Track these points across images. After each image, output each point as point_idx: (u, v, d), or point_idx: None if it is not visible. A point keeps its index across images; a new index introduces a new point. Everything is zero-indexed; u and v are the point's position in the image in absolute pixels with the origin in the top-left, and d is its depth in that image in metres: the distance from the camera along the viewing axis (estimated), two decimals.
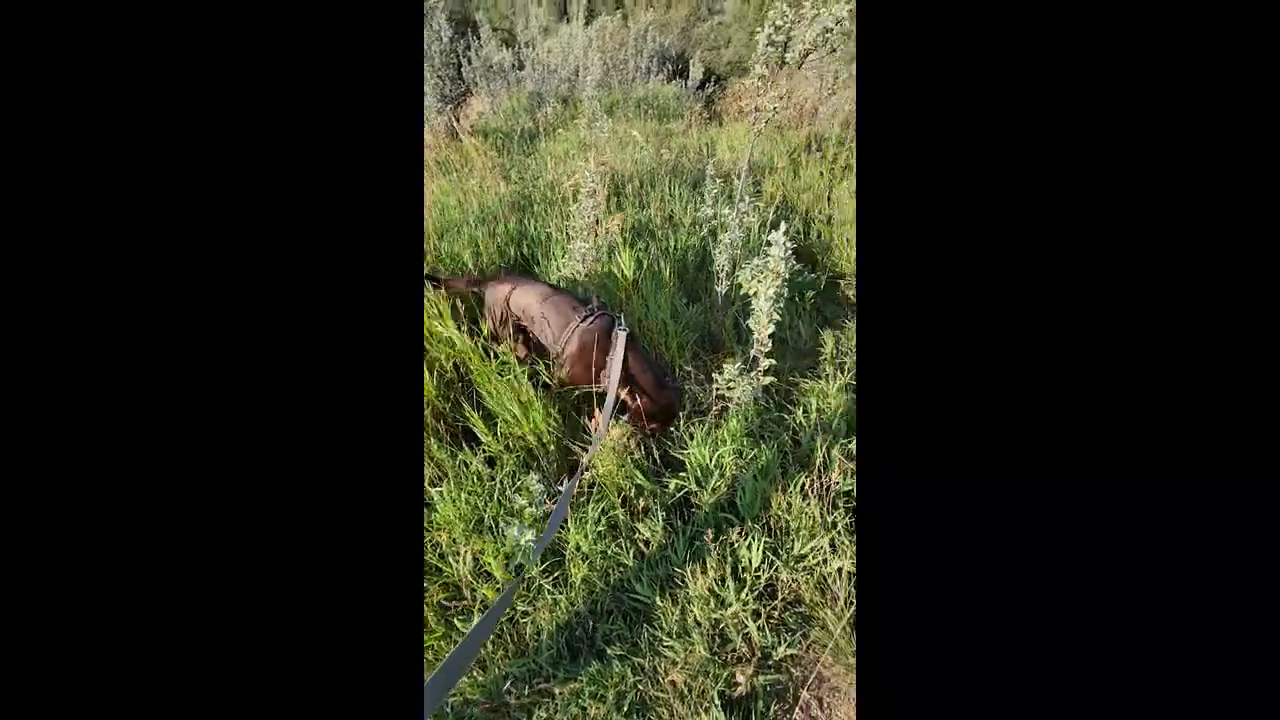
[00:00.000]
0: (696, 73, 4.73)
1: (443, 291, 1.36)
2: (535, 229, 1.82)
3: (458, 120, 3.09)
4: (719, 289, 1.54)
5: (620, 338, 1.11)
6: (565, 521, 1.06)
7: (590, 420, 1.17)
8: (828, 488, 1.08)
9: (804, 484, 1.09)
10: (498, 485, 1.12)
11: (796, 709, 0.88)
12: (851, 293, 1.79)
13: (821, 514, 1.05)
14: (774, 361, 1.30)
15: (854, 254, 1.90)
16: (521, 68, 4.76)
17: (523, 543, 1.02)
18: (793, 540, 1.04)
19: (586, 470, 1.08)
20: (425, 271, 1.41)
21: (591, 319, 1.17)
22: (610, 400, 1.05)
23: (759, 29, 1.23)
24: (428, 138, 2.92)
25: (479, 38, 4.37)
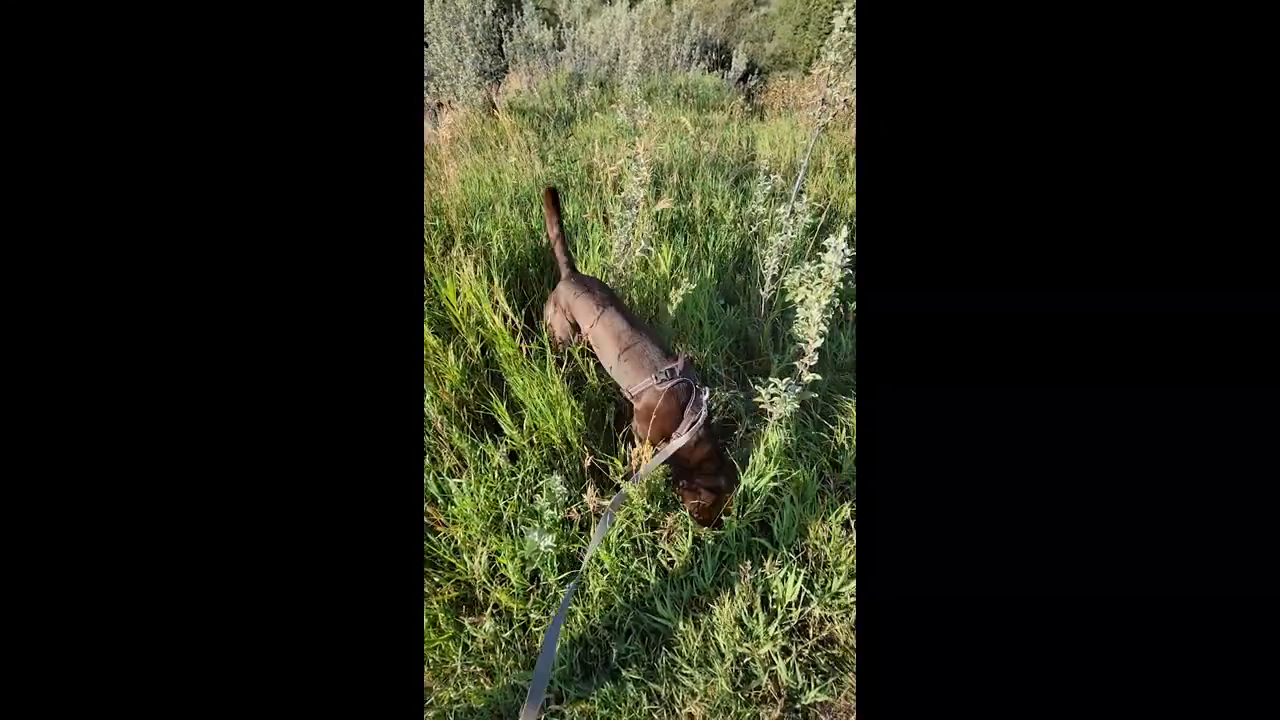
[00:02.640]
0: (739, 64, 4.58)
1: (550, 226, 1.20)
2: (573, 213, 1.75)
3: (496, 96, 3.01)
4: (762, 293, 1.45)
5: (700, 414, 0.97)
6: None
7: (631, 448, 1.07)
8: None
9: (847, 515, 1.01)
10: (519, 482, 1.06)
11: None
12: None
13: None
14: (817, 376, 1.21)
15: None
16: (562, 48, 4.65)
17: (542, 548, 0.96)
18: (830, 575, 0.96)
19: (618, 509, 1.00)
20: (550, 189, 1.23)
21: (670, 380, 0.99)
22: (662, 457, 0.96)
23: (835, 17, 1.12)
24: (464, 112, 2.86)
25: (521, 13, 4.28)
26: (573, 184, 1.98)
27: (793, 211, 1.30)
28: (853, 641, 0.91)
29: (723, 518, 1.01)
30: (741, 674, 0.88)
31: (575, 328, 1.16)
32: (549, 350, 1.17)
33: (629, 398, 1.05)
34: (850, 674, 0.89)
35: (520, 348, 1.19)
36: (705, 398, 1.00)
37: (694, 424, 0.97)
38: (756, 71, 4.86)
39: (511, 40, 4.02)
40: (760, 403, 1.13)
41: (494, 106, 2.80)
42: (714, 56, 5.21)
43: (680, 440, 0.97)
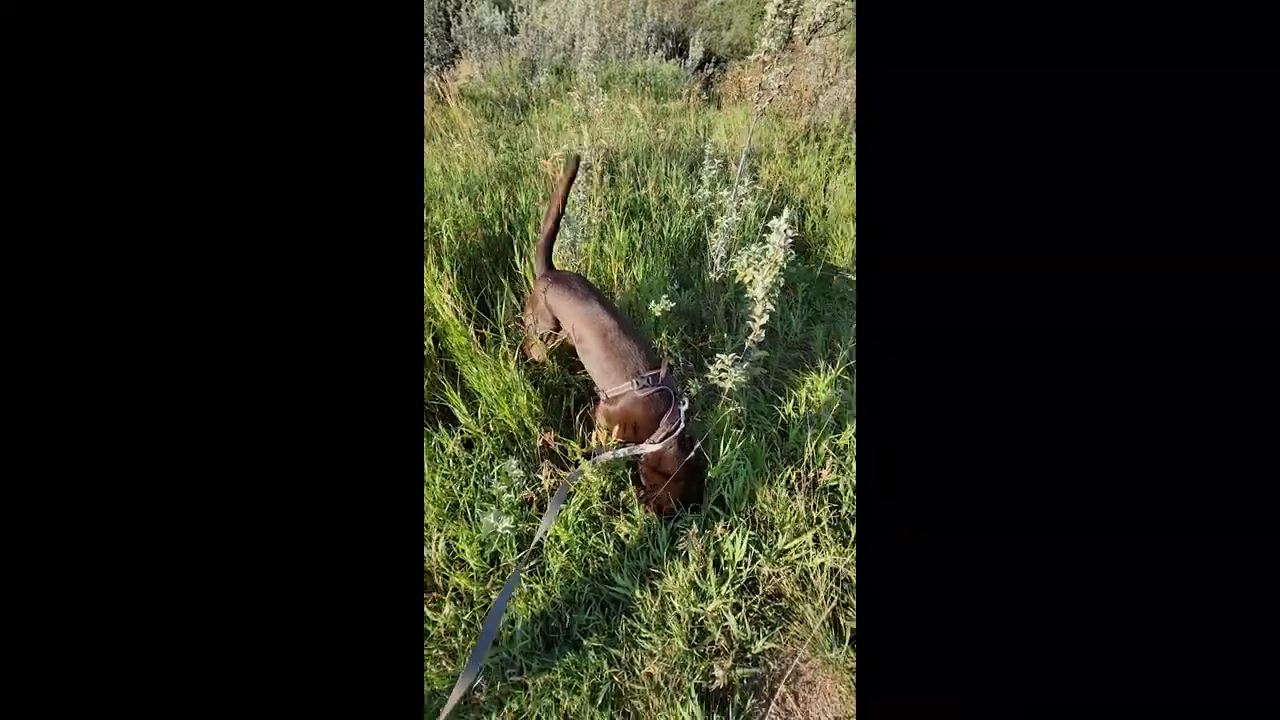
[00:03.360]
0: (696, 52, 4.59)
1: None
2: (525, 202, 1.73)
3: (444, 83, 2.90)
4: (713, 275, 1.49)
5: (677, 425, 0.98)
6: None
7: (590, 434, 1.07)
8: (815, 483, 1.07)
9: (791, 478, 1.07)
10: (475, 469, 1.06)
11: (773, 703, 0.88)
12: (843, 285, 1.78)
13: (807, 510, 1.04)
14: (766, 353, 1.27)
15: (850, 247, 1.88)
16: (514, 32, 4.51)
17: (499, 530, 0.97)
18: (777, 534, 1.02)
19: (570, 494, 1.01)
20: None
21: (651, 387, 0.99)
22: (628, 452, 0.97)
23: (768, 3, 1.16)
24: None
25: None
26: (525, 172, 1.95)
27: (736, 195, 1.35)
28: (797, 593, 0.98)
29: (674, 508, 1.04)
30: (697, 632, 0.93)
31: (557, 325, 1.12)
32: (501, 340, 1.17)
33: (603, 396, 1.03)
34: (796, 622, 0.96)
35: (472, 336, 1.18)
36: (684, 408, 1.00)
37: (668, 435, 0.98)
38: (714, 60, 4.89)
39: (461, 24, 3.87)
40: (710, 379, 1.18)
41: (442, 93, 2.70)
42: (671, 44, 5.19)
43: (652, 447, 0.98)
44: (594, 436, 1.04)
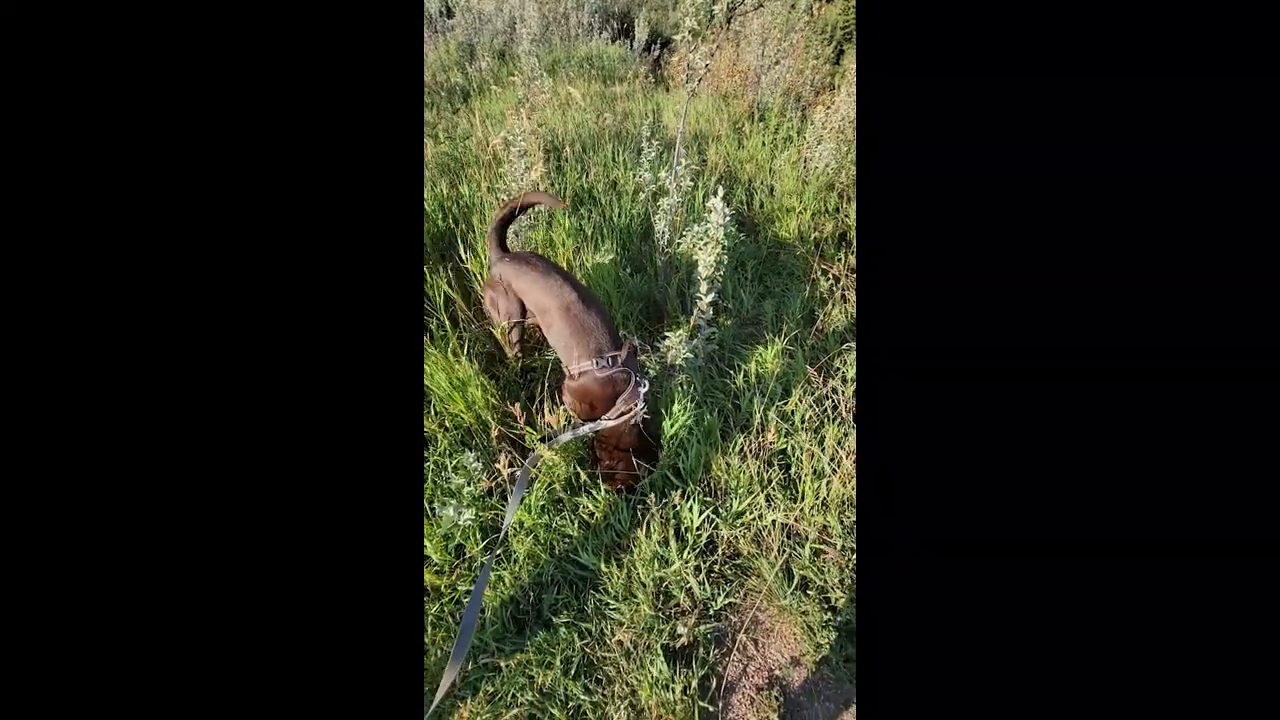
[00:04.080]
0: (642, 33, 4.52)
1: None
2: (468, 193, 1.69)
3: None
4: (660, 257, 1.52)
5: (636, 406, 1.00)
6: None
7: (551, 413, 1.09)
8: (764, 447, 1.13)
9: (742, 445, 1.13)
10: (431, 466, 1.06)
11: (734, 651, 0.94)
12: (790, 260, 1.85)
13: (758, 472, 1.10)
14: (715, 330, 1.32)
15: (795, 224, 1.95)
16: (451, 15, 4.30)
17: (461, 523, 0.98)
18: (732, 499, 1.08)
19: (531, 480, 1.03)
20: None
21: (611, 368, 1.01)
22: (584, 431, 0.99)
23: None
24: None
25: None
26: (468, 162, 1.90)
27: (676, 176, 1.37)
28: (753, 550, 1.05)
29: (633, 485, 1.08)
30: (662, 596, 0.98)
31: (522, 307, 1.12)
32: (449, 336, 1.15)
33: (568, 373, 1.05)
34: (753, 577, 1.03)
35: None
36: (645, 390, 1.02)
37: (624, 414, 1.00)
38: (661, 42, 4.83)
39: None
40: (662, 355, 1.22)
41: None
42: (616, 26, 5.09)
43: (608, 423, 1.00)
44: (550, 419, 1.06)
